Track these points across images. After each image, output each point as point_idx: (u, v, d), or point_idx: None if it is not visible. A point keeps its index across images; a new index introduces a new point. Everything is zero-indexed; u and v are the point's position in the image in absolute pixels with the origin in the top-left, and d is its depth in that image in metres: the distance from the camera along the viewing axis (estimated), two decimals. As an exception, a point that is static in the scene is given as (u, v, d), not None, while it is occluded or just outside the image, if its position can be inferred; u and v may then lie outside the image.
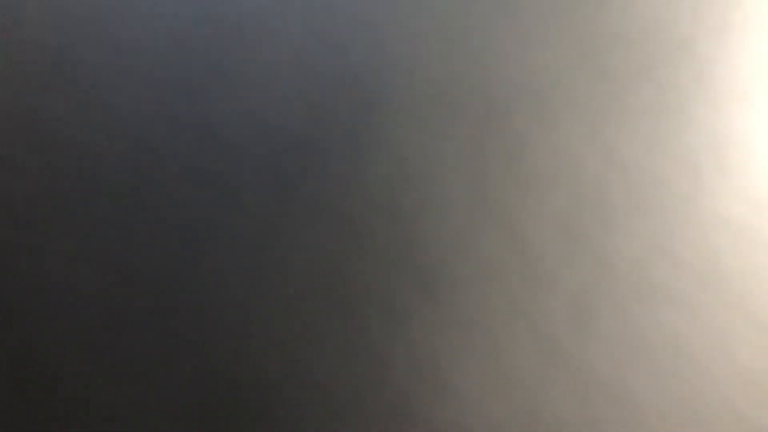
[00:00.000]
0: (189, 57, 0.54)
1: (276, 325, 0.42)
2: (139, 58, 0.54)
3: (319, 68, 0.54)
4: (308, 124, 0.51)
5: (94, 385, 0.39)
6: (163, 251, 0.45)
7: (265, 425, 0.38)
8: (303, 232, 0.46)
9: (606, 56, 0.54)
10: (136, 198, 0.47)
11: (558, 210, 0.47)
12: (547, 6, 0.57)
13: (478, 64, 0.54)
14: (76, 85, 0.52)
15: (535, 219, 0.47)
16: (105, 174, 0.48)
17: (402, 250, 0.45)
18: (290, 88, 0.53)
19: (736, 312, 0.43)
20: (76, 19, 0.56)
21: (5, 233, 0.45)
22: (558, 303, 0.43)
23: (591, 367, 0.41)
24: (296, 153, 0.49)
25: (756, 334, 0.42)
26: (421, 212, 0.47)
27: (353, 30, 0.56)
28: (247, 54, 0.55)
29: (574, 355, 0.41)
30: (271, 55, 0.55)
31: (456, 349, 0.41)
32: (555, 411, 0.39)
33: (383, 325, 0.42)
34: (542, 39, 0.55)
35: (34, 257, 0.44)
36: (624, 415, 0.39)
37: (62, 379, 0.40)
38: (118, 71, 0.53)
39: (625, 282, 0.44)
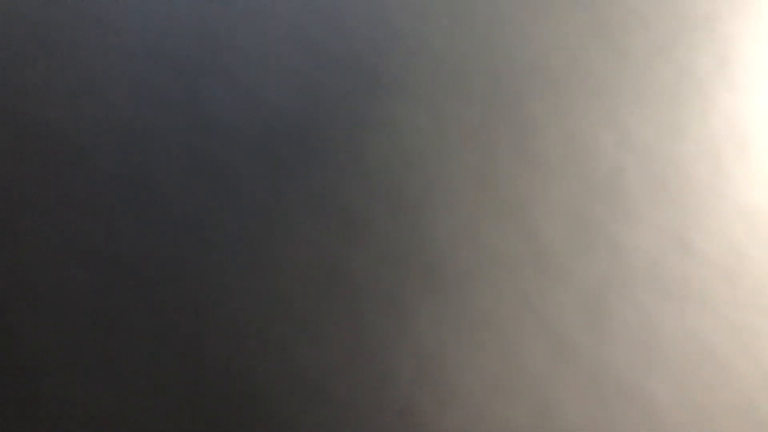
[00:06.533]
0: (180, 32, 0.54)
1: (271, 323, 0.42)
2: (128, 35, 0.53)
3: (319, 45, 0.53)
4: (306, 104, 0.50)
5: (81, 383, 0.39)
6: (154, 243, 0.44)
7: (259, 428, 0.38)
8: (300, 222, 0.45)
9: (622, 35, 0.54)
10: (126, 186, 0.46)
11: (571, 199, 0.47)
12: (559, -19, 0.56)
13: (487, 42, 0.53)
14: (64, 66, 0.52)
15: (547, 208, 0.46)
16: (93, 160, 0.48)
17: (405, 242, 0.45)
18: (288, 66, 0.52)
19: (760, 308, 0.42)
20: (63, -7, 0.55)
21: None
22: (570, 298, 0.43)
23: (605, 366, 0.40)
24: (293, 136, 0.49)
25: (780, 332, 0.41)
26: (426, 201, 0.46)
27: (355, 5, 0.55)
28: (242, 29, 0.54)
29: (587, 353, 0.41)
30: (268, 30, 0.54)
31: (462, 348, 0.41)
32: (567, 413, 0.39)
33: (385, 322, 0.42)
34: (554, 16, 0.55)
35: (19, 248, 0.44)
36: (640, 418, 0.39)
37: (47, 376, 0.39)
38: (106, 50, 0.52)
39: (641, 276, 0.44)
